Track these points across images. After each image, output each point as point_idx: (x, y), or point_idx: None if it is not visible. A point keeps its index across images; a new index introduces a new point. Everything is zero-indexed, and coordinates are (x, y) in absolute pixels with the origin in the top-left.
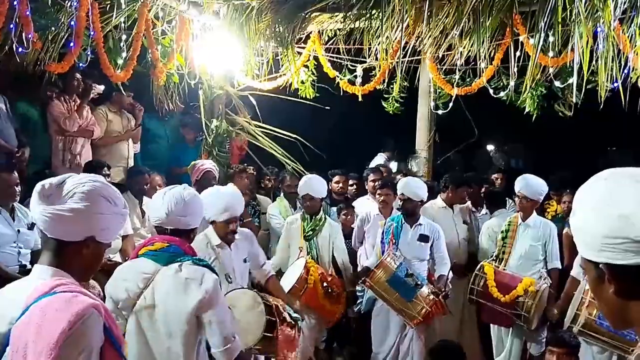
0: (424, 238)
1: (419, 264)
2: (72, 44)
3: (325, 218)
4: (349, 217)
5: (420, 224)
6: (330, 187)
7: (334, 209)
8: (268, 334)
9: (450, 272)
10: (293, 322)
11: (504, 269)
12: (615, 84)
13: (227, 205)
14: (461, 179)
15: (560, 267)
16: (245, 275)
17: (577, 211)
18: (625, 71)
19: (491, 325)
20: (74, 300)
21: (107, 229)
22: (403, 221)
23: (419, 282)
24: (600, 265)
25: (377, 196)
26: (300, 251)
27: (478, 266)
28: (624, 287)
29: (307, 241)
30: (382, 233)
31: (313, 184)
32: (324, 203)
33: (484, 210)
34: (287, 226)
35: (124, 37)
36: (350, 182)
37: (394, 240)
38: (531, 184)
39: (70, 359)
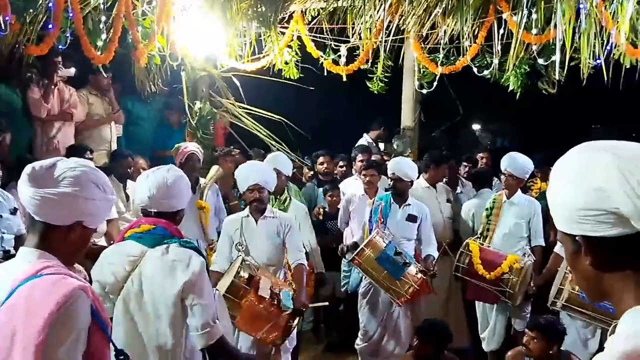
0: (412, 218)
1: (407, 244)
2: (50, 26)
3: (290, 198)
4: (335, 198)
5: (408, 204)
6: (316, 169)
7: (321, 190)
8: (233, 298)
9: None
10: (275, 303)
11: (488, 246)
12: (598, 61)
13: (247, 174)
14: (441, 157)
15: (543, 245)
16: (269, 254)
17: (553, 185)
18: (608, 48)
19: (476, 302)
20: (61, 282)
21: (95, 215)
22: (392, 201)
23: (407, 261)
24: (577, 238)
25: (363, 177)
26: None
27: (463, 244)
28: (600, 259)
29: None
30: (370, 212)
31: (280, 160)
32: (311, 184)
33: (460, 189)
34: None
35: (103, 18)
36: (340, 163)
37: (382, 220)
38: (517, 162)
39: (59, 341)
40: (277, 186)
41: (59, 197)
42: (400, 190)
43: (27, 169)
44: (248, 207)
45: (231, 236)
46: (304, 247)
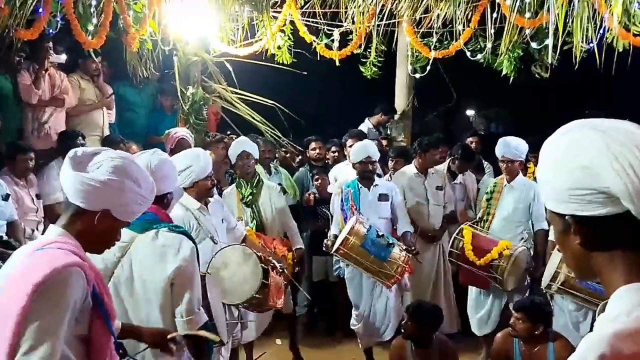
0: (383, 197)
1: (383, 223)
2: (41, 10)
3: (261, 180)
4: (321, 182)
5: (376, 185)
6: (307, 154)
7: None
8: (265, 281)
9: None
10: (281, 270)
11: (487, 232)
12: (591, 45)
13: (205, 162)
14: (428, 144)
15: (547, 228)
16: (225, 236)
17: (542, 164)
18: (601, 32)
19: (469, 286)
20: (57, 256)
21: (124, 207)
22: (359, 185)
23: (390, 242)
24: (566, 217)
25: None
26: (240, 220)
27: (457, 229)
28: (589, 238)
29: (248, 207)
30: (341, 201)
31: (248, 143)
32: (304, 169)
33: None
34: (224, 198)
35: (93, 2)
36: (333, 148)
37: (354, 206)
38: (511, 146)
39: (40, 312)
40: (248, 168)
41: (91, 182)
42: (371, 173)
43: (71, 153)
44: (196, 198)
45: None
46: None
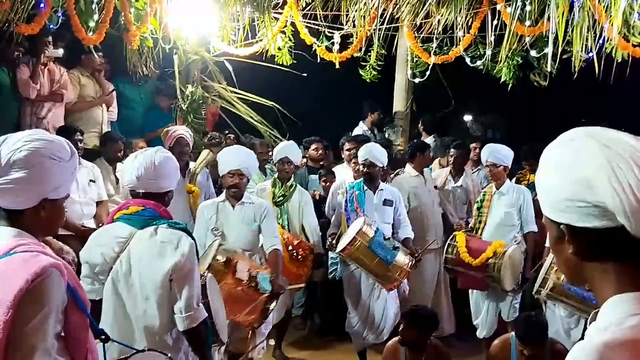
0: (388, 202)
1: (386, 228)
2: (42, 5)
3: (295, 185)
4: (328, 183)
5: (382, 189)
6: (307, 155)
7: (312, 176)
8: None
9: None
10: (253, 285)
11: (479, 237)
12: (590, 54)
13: (224, 159)
14: (424, 143)
15: (536, 230)
16: (245, 239)
17: (541, 170)
18: (600, 41)
19: (469, 290)
20: (32, 259)
21: (59, 186)
22: (365, 187)
23: (396, 246)
24: (561, 226)
25: (353, 164)
26: None
27: (451, 236)
28: (582, 248)
29: (277, 207)
30: (345, 201)
31: (292, 148)
32: (302, 170)
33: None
34: (257, 193)
35: None
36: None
37: (359, 208)
38: (496, 150)
39: (27, 318)
40: (285, 173)
41: (12, 185)
42: (373, 176)
43: None
44: (225, 191)
45: (207, 222)
46: (311, 230)
